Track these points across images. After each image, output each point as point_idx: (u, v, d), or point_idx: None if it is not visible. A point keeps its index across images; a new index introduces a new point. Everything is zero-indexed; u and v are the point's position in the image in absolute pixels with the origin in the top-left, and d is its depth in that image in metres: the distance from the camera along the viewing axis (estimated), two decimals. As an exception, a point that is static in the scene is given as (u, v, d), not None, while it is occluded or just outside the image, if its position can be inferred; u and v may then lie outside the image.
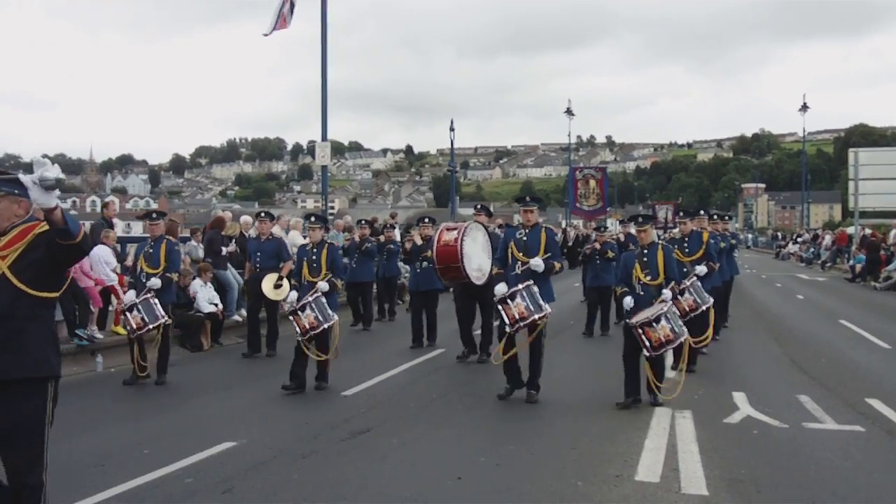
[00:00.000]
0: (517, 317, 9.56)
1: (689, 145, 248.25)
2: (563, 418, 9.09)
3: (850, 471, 7.24)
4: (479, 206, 13.85)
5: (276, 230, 17.10)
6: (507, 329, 9.69)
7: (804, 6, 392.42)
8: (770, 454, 7.67)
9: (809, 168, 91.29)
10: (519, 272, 9.87)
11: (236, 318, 15.52)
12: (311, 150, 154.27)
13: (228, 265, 15.73)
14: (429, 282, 14.11)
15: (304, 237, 15.14)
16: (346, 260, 17.18)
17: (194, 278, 14.43)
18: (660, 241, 10.31)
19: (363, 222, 18.15)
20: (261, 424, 8.85)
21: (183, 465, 7.13)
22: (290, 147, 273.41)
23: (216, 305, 14.63)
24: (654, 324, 9.31)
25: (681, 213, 13.40)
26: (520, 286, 9.64)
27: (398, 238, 18.65)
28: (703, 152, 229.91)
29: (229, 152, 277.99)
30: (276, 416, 9.31)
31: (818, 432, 8.52)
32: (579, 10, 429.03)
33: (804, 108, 62.09)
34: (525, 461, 7.44)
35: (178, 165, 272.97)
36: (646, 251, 9.89)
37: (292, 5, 22.54)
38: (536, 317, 9.59)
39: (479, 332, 13.13)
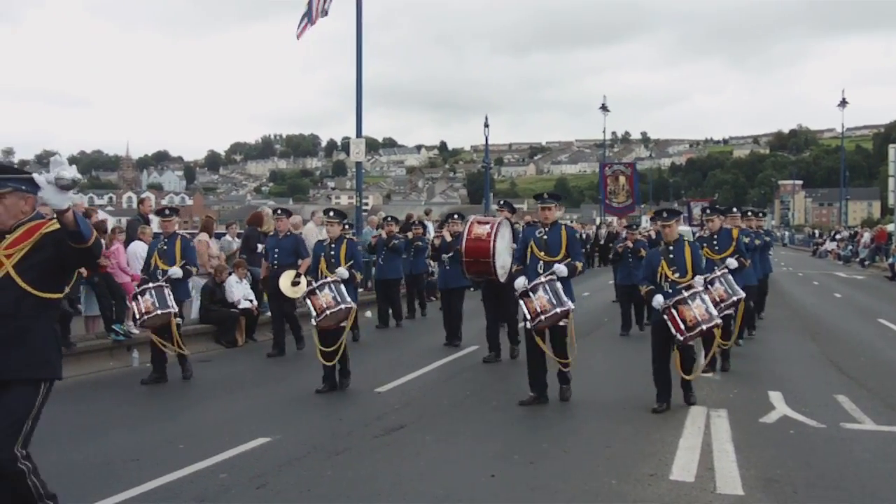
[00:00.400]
0: (538, 310, 9.19)
1: (725, 141, 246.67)
2: (597, 417, 9.03)
3: (889, 472, 7.13)
4: (502, 202, 13.59)
5: (311, 226, 17.17)
6: (528, 325, 9.35)
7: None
8: (807, 454, 7.58)
9: (848, 164, 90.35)
10: (540, 272, 9.48)
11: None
12: (345, 146, 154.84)
13: (263, 261, 15.74)
14: (456, 279, 13.84)
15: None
16: (373, 257, 17.17)
17: (230, 274, 14.50)
18: (685, 239, 9.96)
19: (390, 219, 17.89)
20: (294, 420, 8.89)
21: (217, 460, 7.17)
22: (324, 143, 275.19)
23: (251, 302, 14.69)
24: (689, 301, 9.03)
25: (708, 210, 13.19)
26: (542, 279, 9.31)
27: (431, 234, 18.56)
28: (740, 148, 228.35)
29: (264, 149, 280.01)
30: (309, 413, 9.34)
31: (856, 433, 8.40)
32: (614, 6, 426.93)
33: (843, 103, 61.47)
34: (559, 459, 7.41)
35: (213, 162, 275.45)
36: (671, 248, 9.53)
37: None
38: (559, 310, 9.21)
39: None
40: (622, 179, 42.46)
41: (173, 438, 8.03)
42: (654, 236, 17.19)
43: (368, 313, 17.48)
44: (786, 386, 10.64)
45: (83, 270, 11.58)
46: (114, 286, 12.31)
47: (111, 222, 14.32)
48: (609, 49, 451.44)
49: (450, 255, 13.88)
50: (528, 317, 9.30)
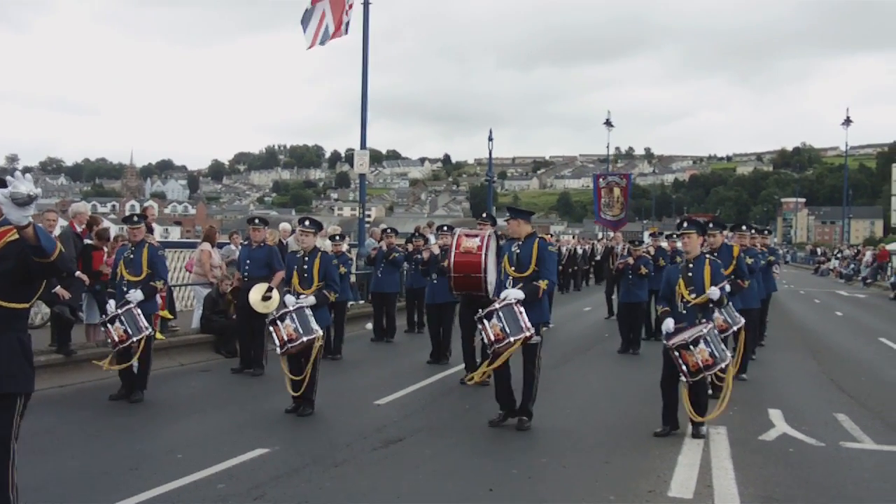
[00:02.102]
0: (493, 338, 8.77)
1: (729, 158, 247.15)
2: (596, 432, 9.02)
3: (888, 492, 7.13)
4: (484, 215, 13.11)
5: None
6: (489, 351, 9.07)
7: (849, 19, 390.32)
8: (806, 473, 7.57)
9: (851, 183, 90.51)
10: (509, 287, 9.01)
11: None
12: (349, 157, 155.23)
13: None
14: (444, 293, 13.04)
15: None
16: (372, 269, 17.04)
17: (233, 285, 14.47)
18: (707, 255, 9.26)
19: (389, 231, 17.75)
20: (293, 431, 8.88)
21: (215, 470, 7.15)
22: (328, 155, 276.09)
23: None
24: (691, 346, 8.45)
25: (711, 225, 12.13)
26: (496, 305, 8.85)
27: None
28: (743, 166, 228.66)
29: (268, 159, 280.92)
30: (308, 424, 9.32)
31: (856, 452, 8.39)
32: (620, 22, 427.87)
33: (847, 121, 61.65)
34: (557, 474, 7.40)
35: (216, 171, 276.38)
36: (691, 265, 8.92)
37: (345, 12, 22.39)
38: (512, 339, 8.67)
39: None
40: (616, 191, 40.50)
41: (172, 448, 8.02)
42: (652, 252, 17.14)
43: (369, 325, 17.45)
44: (786, 404, 10.63)
45: (85, 278, 11.58)
46: (115, 294, 12.30)
47: (114, 230, 14.29)
48: (614, 64, 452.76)
49: (437, 268, 13.28)
50: (486, 343, 9.03)
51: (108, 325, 10.39)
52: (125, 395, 10.41)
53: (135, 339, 10.26)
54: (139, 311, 10.36)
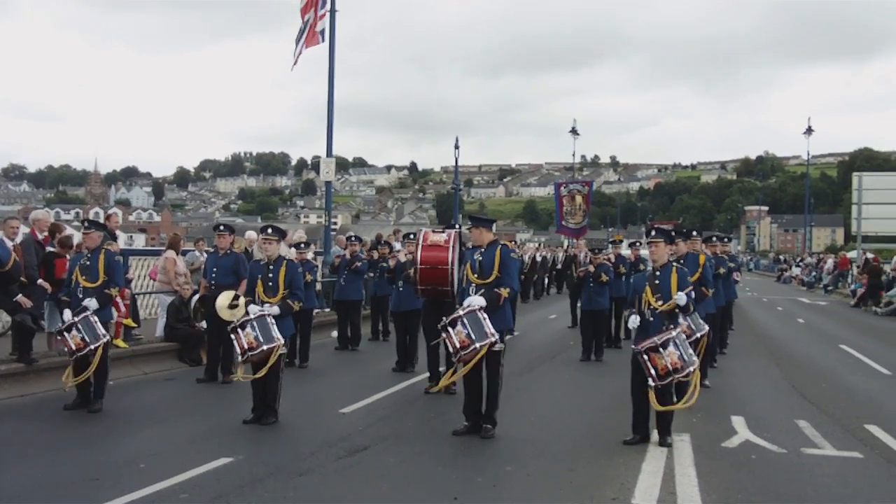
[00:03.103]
0: (458, 346, 8.76)
1: (693, 167, 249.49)
2: (560, 440, 9.04)
3: (848, 498, 7.21)
4: (453, 224, 13.12)
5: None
6: (454, 359, 9.06)
7: (811, 30, 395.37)
8: (768, 479, 7.64)
9: (813, 191, 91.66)
10: (472, 294, 9.06)
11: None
12: (315, 165, 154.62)
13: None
14: (410, 301, 13.17)
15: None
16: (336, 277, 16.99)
17: (196, 293, 14.39)
18: (674, 263, 9.40)
19: (353, 238, 17.73)
20: (258, 440, 8.83)
21: (178, 480, 7.09)
22: (294, 162, 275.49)
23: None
24: (660, 349, 8.47)
25: (672, 234, 12.53)
26: (460, 311, 8.89)
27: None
28: (707, 174, 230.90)
29: (234, 166, 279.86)
30: (273, 433, 9.27)
31: (817, 458, 8.49)
32: (586, 31, 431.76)
33: (809, 131, 62.25)
34: (522, 482, 7.41)
35: (182, 178, 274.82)
36: (658, 272, 8.98)
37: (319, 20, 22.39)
38: (478, 345, 8.69)
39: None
40: (579, 199, 39.81)
41: (134, 458, 7.94)
42: (612, 259, 17.23)
43: (334, 333, 17.39)
44: (748, 411, 10.72)
45: (47, 286, 11.46)
46: (77, 303, 12.17)
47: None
48: (581, 73, 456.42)
49: (403, 276, 13.13)
50: (451, 351, 8.97)
51: (65, 334, 10.17)
52: (81, 405, 10.25)
53: (92, 346, 10.05)
54: (96, 318, 10.19)
